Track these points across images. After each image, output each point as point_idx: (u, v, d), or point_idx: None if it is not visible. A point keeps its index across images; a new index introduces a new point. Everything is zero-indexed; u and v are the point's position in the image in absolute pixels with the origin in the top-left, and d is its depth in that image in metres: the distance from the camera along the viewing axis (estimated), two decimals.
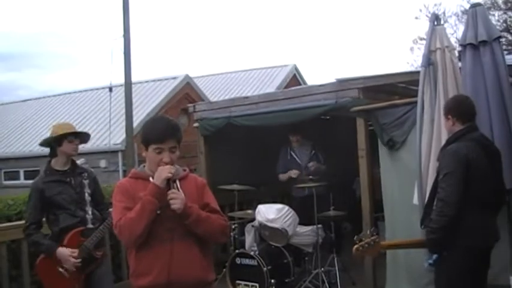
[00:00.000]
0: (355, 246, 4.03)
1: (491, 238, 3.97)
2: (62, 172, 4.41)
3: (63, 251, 4.22)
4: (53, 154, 4.46)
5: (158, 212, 2.90)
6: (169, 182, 2.91)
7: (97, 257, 4.38)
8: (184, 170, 3.15)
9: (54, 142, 4.40)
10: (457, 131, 4.02)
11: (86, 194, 4.42)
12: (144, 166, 3.13)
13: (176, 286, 2.92)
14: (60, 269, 4.25)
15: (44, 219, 4.46)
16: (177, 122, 3.16)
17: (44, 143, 4.52)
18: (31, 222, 4.34)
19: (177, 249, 2.92)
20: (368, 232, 4.12)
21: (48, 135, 4.57)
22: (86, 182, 4.46)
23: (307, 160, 7.46)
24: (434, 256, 3.97)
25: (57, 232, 4.32)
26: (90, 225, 4.37)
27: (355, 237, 4.09)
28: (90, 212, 4.41)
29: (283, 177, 7.62)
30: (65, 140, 4.37)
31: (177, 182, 2.99)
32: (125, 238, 2.95)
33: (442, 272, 3.98)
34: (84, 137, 4.59)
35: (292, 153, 7.61)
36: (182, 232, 2.93)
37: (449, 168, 3.82)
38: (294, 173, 7.44)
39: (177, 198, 2.86)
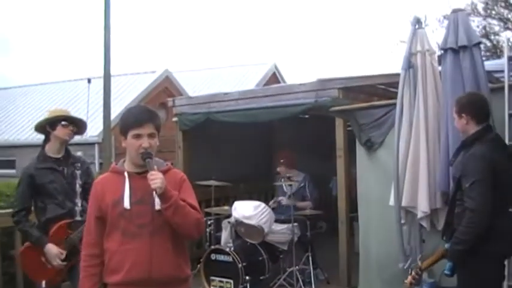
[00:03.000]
0: (408, 281, 4.02)
1: None
2: (55, 159, 4.34)
3: (51, 249, 4.17)
4: (46, 139, 4.39)
5: (128, 207, 2.87)
6: (149, 163, 2.86)
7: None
8: (167, 165, 3.10)
9: (48, 125, 4.34)
10: (475, 131, 3.81)
11: (77, 185, 4.35)
12: (124, 161, 3.07)
13: (149, 283, 2.87)
14: (44, 259, 4.20)
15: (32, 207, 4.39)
16: (155, 110, 3.11)
17: (38, 127, 4.44)
18: (20, 208, 4.28)
19: (148, 246, 2.87)
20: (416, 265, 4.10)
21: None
22: (77, 172, 4.39)
23: (294, 191, 7.12)
24: (448, 265, 3.80)
25: (44, 222, 4.26)
26: (78, 218, 4.29)
27: (412, 273, 4.07)
28: (79, 204, 4.33)
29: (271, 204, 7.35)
30: (59, 124, 4.31)
31: (155, 167, 2.90)
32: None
33: (467, 280, 3.80)
34: (80, 126, 4.53)
35: (282, 181, 7.29)
36: (153, 228, 2.88)
37: (477, 176, 3.58)
38: (280, 199, 7.26)
39: (156, 178, 2.79)
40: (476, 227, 3.55)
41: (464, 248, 3.63)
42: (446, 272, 3.82)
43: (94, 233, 3.00)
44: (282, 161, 7.29)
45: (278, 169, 7.35)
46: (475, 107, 3.85)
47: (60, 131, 4.33)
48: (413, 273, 3.93)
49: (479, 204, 3.54)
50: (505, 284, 4.16)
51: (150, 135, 2.91)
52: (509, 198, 3.74)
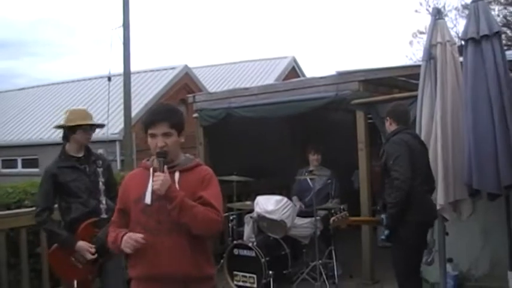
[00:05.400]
0: (332, 218, 4.77)
1: (434, 213, 4.70)
2: (76, 158, 4.34)
3: (82, 245, 4.15)
4: (66, 138, 4.40)
5: (149, 203, 2.87)
6: (160, 163, 2.89)
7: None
8: (195, 160, 3.11)
9: (67, 130, 4.34)
10: (395, 128, 4.83)
11: (100, 183, 4.34)
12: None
13: (164, 280, 2.89)
14: (73, 259, 4.19)
15: (55, 206, 4.37)
16: (175, 107, 3.13)
17: (58, 127, 4.50)
18: (43, 208, 4.24)
19: (165, 243, 2.88)
20: (341, 207, 4.99)
21: (60, 121, 4.52)
22: (100, 170, 4.39)
23: (320, 187, 7.07)
24: (387, 232, 4.60)
25: (69, 222, 4.24)
26: (104, 215, 4.27)
27: (332, 215, 4.83)
28: (104, 202, 4.32)
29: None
30: (79, 129, 4.31)
31: (165, 167, 2.90)
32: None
33: (398, 246, 4.59)
34: (98, 125, 4.60)
35: (306, 174, 7.15)
36: (171, 225, 2.88)
37: (397, 152, 4.54)
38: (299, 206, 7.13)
39: (158, 180, 2.81)
40: (401, 190, 4.43)
41: (396, 210, 4.47)
42: (382, 237, 4.73)
43: (117, 222, 3.10)
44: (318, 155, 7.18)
45: (314, 161, 7.20)
46: (395, 113, 4.93)
47: (80, 136, 4.34)
48: (338, 215, 4.73)
49: (401, 173, 4.45)
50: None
51: (165, 135, 2.93)
52: (423, 179, 4.60)
